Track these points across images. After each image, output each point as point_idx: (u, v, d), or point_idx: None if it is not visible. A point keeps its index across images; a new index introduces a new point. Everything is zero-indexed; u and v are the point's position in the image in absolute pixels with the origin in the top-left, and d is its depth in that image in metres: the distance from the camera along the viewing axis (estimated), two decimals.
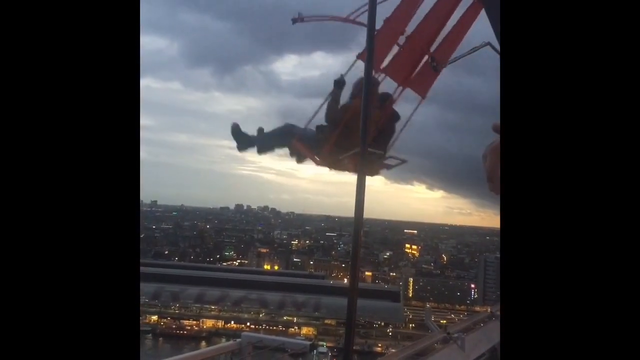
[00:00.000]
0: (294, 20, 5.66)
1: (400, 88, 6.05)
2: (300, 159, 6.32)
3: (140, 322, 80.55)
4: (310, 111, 6.01)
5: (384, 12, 5.66)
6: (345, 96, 5.98)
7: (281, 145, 6.48)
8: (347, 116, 5.67)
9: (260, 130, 6.60)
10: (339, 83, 5.77)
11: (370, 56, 4.80)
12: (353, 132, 5.38)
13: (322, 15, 5.92)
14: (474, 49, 5.24)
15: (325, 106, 5.92)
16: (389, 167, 6.17)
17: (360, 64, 5.54)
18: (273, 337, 5.12)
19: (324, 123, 6.01)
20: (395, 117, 6.13)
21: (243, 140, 6.70)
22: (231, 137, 6.66)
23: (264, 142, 6.65)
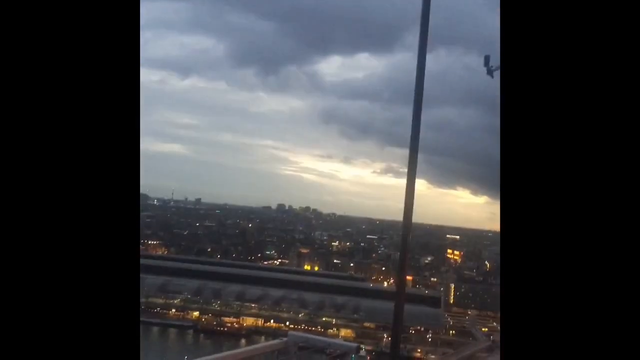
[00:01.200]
0: None
1: None
2: None
3: (182, 317, 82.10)
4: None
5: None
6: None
7: None
8: None
9: None
10: None
11: (422, 56, 4.77)
12: None
13: None
14: None
15: None
16: None
17: None
18: (319, 337, 5.11)
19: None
20: None
21: None
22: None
23: None
